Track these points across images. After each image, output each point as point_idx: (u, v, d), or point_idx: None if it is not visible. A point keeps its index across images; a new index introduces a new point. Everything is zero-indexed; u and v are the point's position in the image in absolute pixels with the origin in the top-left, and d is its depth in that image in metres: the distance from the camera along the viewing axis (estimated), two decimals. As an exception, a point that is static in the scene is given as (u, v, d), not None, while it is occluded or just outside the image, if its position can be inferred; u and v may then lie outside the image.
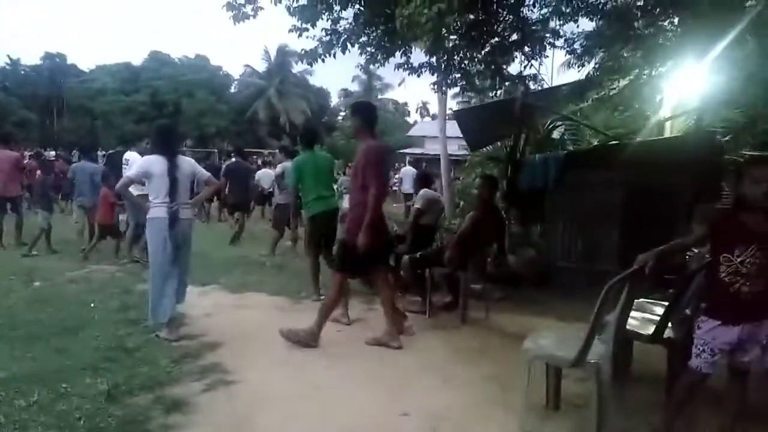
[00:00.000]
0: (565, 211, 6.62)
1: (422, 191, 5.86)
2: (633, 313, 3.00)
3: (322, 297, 5.52)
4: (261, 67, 44.68)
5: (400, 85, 43.54)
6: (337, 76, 67.99)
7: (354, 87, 50.23)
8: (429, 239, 5.99)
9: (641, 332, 3.15)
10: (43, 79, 44.16)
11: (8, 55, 44.80)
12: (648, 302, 3.61)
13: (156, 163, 4.17)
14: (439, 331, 4.77)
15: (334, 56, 5.45)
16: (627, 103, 9.84)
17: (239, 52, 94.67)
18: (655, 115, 8.47)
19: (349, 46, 5.44)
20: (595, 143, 9.20)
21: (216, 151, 25.21)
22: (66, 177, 13.30)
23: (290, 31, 5.24)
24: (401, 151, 33.46)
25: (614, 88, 9.21)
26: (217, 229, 11.66)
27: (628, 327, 2.91)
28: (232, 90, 46.58)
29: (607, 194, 6.06)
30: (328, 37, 5.38)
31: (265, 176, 12.93)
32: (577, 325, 3.48)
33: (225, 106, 42.61)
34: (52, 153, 19.34)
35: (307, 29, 5.24)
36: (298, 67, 43.78)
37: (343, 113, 51.02)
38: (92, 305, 5.09)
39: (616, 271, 2.56)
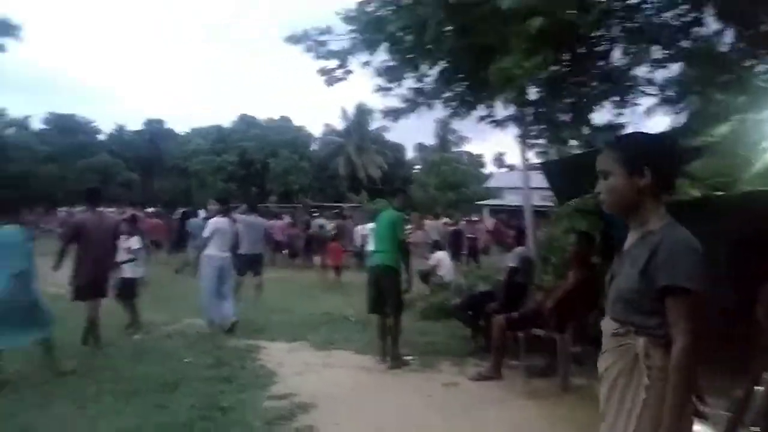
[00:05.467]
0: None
1: (518, 248, 5.66)
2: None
3: (409, 358, 5.36)
4: (340, 125, 46.71)
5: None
6: (412, 130, 69.46)
7: (430, 140, 51.19)
8: (521, 298, 5.72)
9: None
10: (144, 142, 48.53)
11: (115, 122, 50.11)
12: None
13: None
14: (539, 399, 4.43)
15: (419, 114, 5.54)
16: (729, 149, 9.17)
17: (319, 112, 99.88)
18: (763, 161, 7.81)
19: (434, 102, 5.49)
20: (695, 193, 8.58)
21: (300, 205, 26.16)
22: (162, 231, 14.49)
23: (375, 91, 5.40)
24: (479, 202, 33.12)
25: (713, 135, 8.62)
26: (298, 284, 11.91)
27: None
28: (313, 148, 48.72)
29: (712, 248, 5.53)
30: (412, 95, 5.47)
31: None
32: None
33: (307, 163, 44.52)
34: (150, 209, 21.01)
35: (391, 88, 5.37)
36: (375, 124, 45.70)
37: (418, 166, 51.83)
38: (187, 360, 5.24)
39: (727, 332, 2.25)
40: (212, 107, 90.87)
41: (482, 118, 6.74)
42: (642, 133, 2.33)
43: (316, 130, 49.61)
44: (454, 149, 50.66)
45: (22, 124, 49.14)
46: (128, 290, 6.69)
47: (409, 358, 5.42)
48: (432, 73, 5.35)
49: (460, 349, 5.80)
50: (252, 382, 4.59)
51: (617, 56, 6.60)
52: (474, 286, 7.87)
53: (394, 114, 5.60)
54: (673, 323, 1.51)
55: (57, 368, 4.87)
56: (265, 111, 75.50)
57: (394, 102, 5.71)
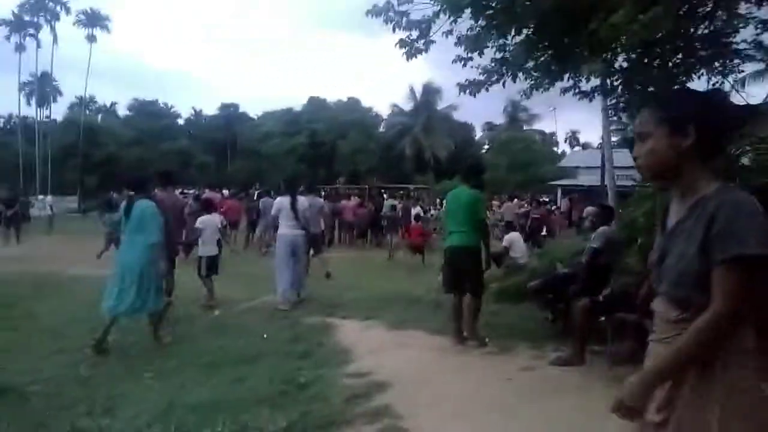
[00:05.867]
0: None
1: (601, 228, 5.29)
2: None
3: (486, 341, 5.19)
4: (407, 105, 46.29)
5: (552, 110, 42.21)
6: (481, 109, 67.96)
7: (499, 120, 49.82)
8: (604, 281, 5.35)
9: None
10: (219, 126, 50.48)
11: (193, 107, 52.47)
12: None
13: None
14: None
15: (504, 85, 5.23)
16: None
17: (387, 92, 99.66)
18: None
19: (517, 72, 5.18)
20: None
21: (367, 187, 26.33)
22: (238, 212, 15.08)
23: (454, 61, 5.14)
24: (553, 182, 31.93)
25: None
26: (369, 264, 11.98)
27: None
28: (381, 129, 48.73)
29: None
30: (495, 66, 5.18)
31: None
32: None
33: (375, 144, 44.65)
34: (225, 191, 21.81)
35: (471, 59, 5.11)
36: (442, 104, 45.05)
37: (487, 146, 50.68)
38: (264, 336, 5.34)
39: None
40: (284, 90, 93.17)
41: (566, 90, 6.34)
42: (686, 88, 2.00)
43: (384, 110, 49.54)
44: (525, 128, 49.05)
45: (109, 110, 52.55)
46: (208, 267, 6.94)
47: (486, 340, 5.25)
48: (516, 41, 5.04)
49: (537, 333, 5.54)
50: (328, 360, 4.60)
51: (720, 18, 6.00)
52: (551, 268, 7.53)
53: (473, 87, 5.33)
54: (720, 289, 1.29)
55: (158, 339, 5.16)
56: (334, 93, 76.13)
57: (471, 75, 5.45)
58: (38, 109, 42.60)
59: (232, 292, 7.46)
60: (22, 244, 14.52)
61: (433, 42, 4.94)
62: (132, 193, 5.28)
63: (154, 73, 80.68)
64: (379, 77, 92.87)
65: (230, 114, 51.60)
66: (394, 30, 4.88)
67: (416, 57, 4.98)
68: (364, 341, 5.15)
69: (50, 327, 5.77)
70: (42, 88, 41.61)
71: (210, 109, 52.90)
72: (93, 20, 42.40)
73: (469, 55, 5.05)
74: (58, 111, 46.25)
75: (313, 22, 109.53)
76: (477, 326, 5.24)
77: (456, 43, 4.99)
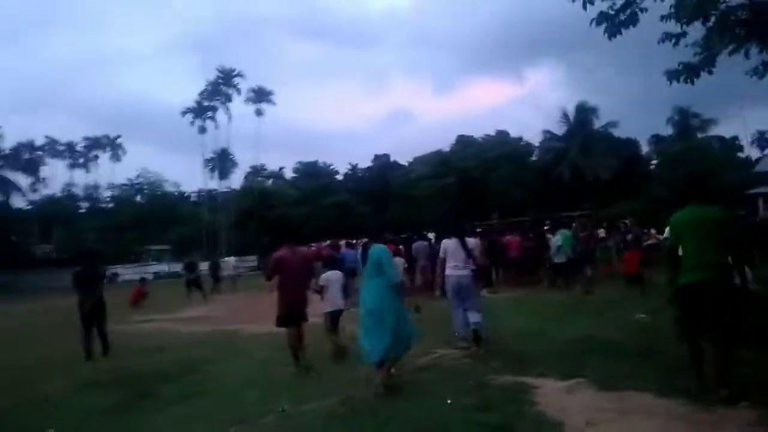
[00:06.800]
0: None
1: None
2: None
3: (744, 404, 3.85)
4: (560, 130, 43.65)
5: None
6: (644, 122, 61.75)
7: (666, 131, 44.72)
8: None
9: None
10: (373, 177, 52.44)
11: (349, 163, 55.58)
12: None
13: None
14: None
15: (747, 54, 4.03)
16: None
17: (534, 121, 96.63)
18: None
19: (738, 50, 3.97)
20: None
21: (526, 219, 24.76)
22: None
23: (660, 41, 4.10)
24: (751, 191, 27.07)
25: None
26: (539, 303, 10.69)
27: None
28: (533, 158, 46.66)
29: None
30: (715, 40, 4.01)
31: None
32: None
33: (528, 174, 42.76)
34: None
35: (685, 34, 4.02)
36: (599, 122, 41.68)
37: (655, 161, 45.57)
38: (449, 402, 4.58)
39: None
40: (433, 135, 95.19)
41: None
42: None
43: (535, 138, 47.42)
44: (699, 135, 43.12)
45: (277, 175, 58.05)
46: (332, 323, 7.00)
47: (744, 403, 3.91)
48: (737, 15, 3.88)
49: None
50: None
51: None
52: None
53: (688, 71, 4.20)
54: None
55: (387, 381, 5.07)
56: (482, 128, 75.19)
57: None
58: (220, 182, 48.57)
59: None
60: (210, 304, 15.89)
61: (643, 11, 3.95)
62: (366, 240, 5.81)
63: (314, 136, 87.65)
64: (524, 109, 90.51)
65: (382, 164, 53.51)
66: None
67: (620, 34, 4.04)
68: (575, 409, 4.12)
69: (230, 392, 5.71)
70: (222, 162, 47.46)
71: (365, 162, 55.46)
72: (260, 96, 48.14)
73: (684, 29, 3.97)
74: (236, 180, 52.26)
75: (457, 68, 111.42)
76: (732, 380, 3.98)
77: (663, 17, 3.95)
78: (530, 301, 11.30)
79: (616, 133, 42.89)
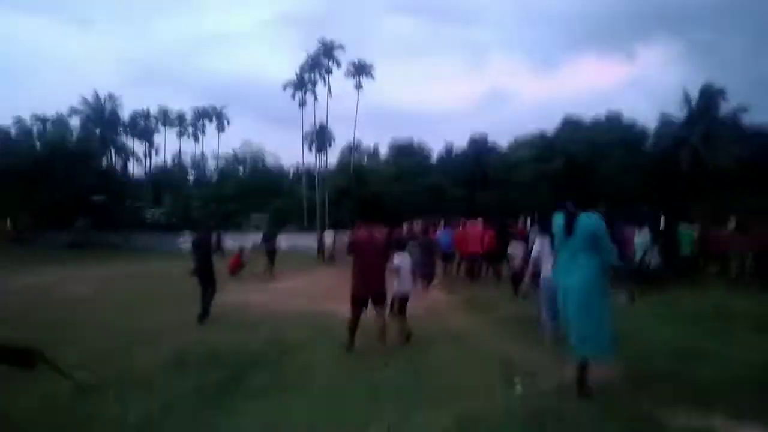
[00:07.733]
0: None
1: None
2: None
3: None
4: (680, 114, 39.24)
5: None
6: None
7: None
8: None
9: None
10: (469, 159, 50.62)
11: (444, 143, 54.09)
12: None
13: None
14: None
15: None
16: None
17: (643, 103, 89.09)
18: None
19: None
20: None
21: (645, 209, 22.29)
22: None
23: None
24: None
25: None
26: (686, 310, 8.96)
27: None
28: (649, 144, 42.61)
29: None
30: None
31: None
32: None
33: (643, 161, 39.12)
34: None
35: None
36: (727, 106, 36.96)
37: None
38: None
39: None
40: (533, 116, 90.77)
41: None
42: None
43: (651, 122, 43.24)
44: None
45: (373, 152, 57.94)
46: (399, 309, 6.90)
47: None
48: None
49: None
50: None
51: None
52: None
53: None
54: None
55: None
56: (586, 111, 69.52)
57: None
58: (317, 157, 49.10)
59: (520, 354, 5.92)
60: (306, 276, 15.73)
61: None
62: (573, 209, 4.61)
63: (409, 113, 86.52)
64: (635, 91, 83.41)
65: (479, 146, 51.47)
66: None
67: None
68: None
69: (329, 388, 5.04)
70: (320, 138, 47.87)
71: (460, 142, 53.64)
72: (360, 70, 47.82)
73: None
74: (333, 155, 52.68)
75: (561, 45, 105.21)
76: None
77: None
78: (666, 305, 9.45)
79: (746, 118, 37.84)
